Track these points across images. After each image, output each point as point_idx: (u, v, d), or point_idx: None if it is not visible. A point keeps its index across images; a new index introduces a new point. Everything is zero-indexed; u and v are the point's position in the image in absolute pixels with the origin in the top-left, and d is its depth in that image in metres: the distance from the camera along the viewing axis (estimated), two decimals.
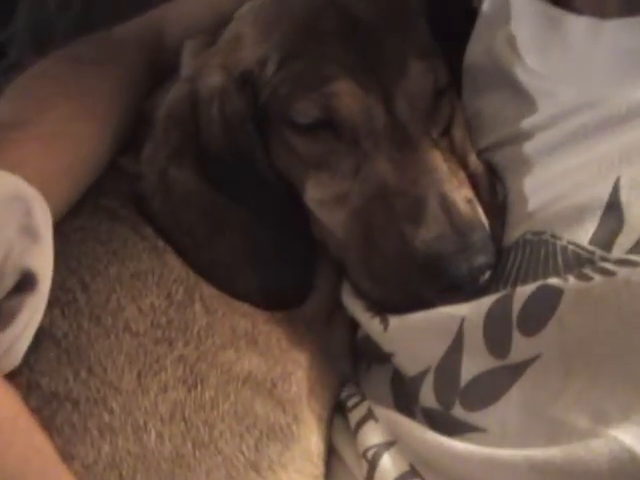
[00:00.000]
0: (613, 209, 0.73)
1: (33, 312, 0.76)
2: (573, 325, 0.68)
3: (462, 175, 0.88)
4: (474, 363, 0.75)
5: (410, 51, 0.89)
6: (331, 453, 0.87)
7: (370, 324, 0.86)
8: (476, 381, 0.75)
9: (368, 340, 0.87)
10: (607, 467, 0.62)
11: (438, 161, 0.86)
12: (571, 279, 0.70)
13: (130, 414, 0.77)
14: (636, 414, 0.64)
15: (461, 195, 0.85)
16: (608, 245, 0.72)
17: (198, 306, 0.85)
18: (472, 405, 0.75)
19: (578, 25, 0.84)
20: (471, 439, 0.74)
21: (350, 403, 0.87)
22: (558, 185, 0.79)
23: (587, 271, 0.70)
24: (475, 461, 0.71)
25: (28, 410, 0.75)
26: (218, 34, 0.98)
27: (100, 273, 0.84)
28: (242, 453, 0.79)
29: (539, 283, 0.72)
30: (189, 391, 0.80)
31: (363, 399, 0.86)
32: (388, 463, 0.78)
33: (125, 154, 0.96)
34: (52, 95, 0.92)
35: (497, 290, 0.78)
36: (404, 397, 0.84)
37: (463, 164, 0.89)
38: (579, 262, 0.73)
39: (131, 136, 0.98)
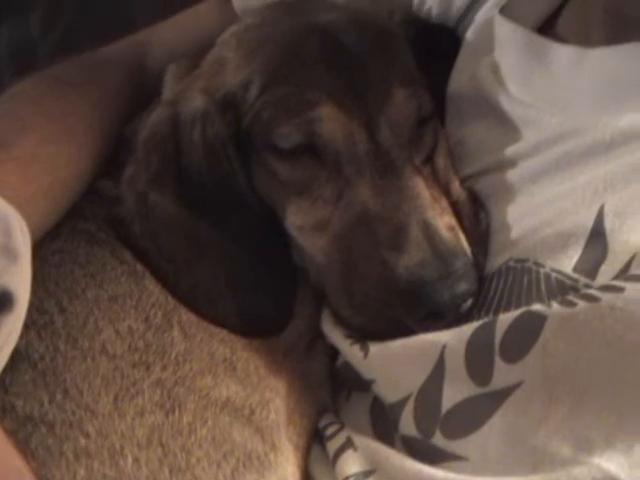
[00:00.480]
0: (597, 237, 0.73)
1: (9, 332, 0.75)
2: (556, 351, 0.68)
3: (445, 202, 0.87)
4: (455, 390, 0.74)
5: (394, 78, 0.88)
6: None
7: (350, 351, 0.85)
8: (457, 409, 0.74)
9: (348, 367, 0.86)
10: None
11: (421, 188, 0.86)
12: (555, 305, 0.69)
13: (106, 438, 0.76)
14: (620, 442, 0.63)
15: (444, 222, 0.84)
16: (592, 273, 0.72)
17: (176, 331, 0.84)
18: (453, 433, 0.74)
19: (562, 54, 0.84)
20: (451, 468, 0.73)
21: (328, 432, 0.86)
22: (542, 213, 0.79)
23: (571, 297, 0.69)
24: None
25: (4, 432, 0.73)
26: (201, 58, 0.97)
27: (78, 296, 0.83)
28: None
29: (522, 310, 0.71)
30: (166, 416, 0.78)
31: (342, 428, 0.85)
32: None
33: (105, 177, 0.96)
34: (32, 116, 0.92)
35: (479, 317, 0.78)
36: (384, 425, 0.83)
37: (446, 192, 0.88)
38: (562, 290, 0.73)
39: (111, 159, 0.97)
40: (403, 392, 0.79)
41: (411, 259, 0.81)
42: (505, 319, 0.72)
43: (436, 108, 0.93)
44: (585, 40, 0.85)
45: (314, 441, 0.88)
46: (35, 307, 0.81)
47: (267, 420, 0.84)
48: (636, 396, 0.64)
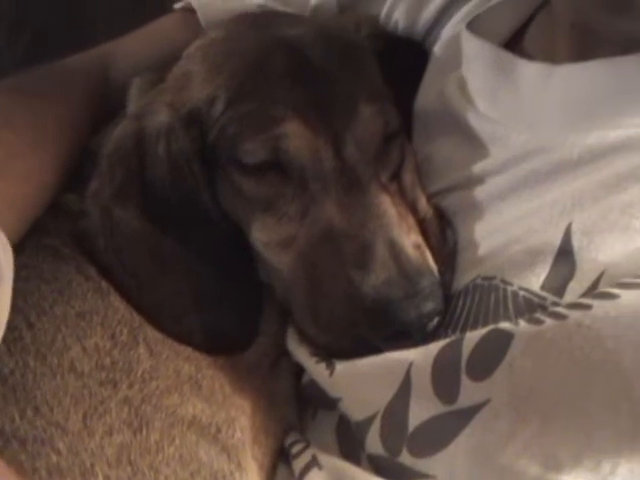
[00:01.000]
0: (565, 255, 0.73)
1: None
2: (523, 370, 0.68)
3: (411, 220, 0.87)
4: (422, 408, 0.74)
5: (361, 94, 0.88)
6: None
7: (316, 369, 0.84)
8: (424, 427, 0.74)
9: (314, 385, 0.85)
10: None
11: (387, 205, 0.85)
12: (522, 323, 0.69)
13: (77, 455, 0.75)
14: (588, 459, 0.63)
15: (410, 240, 0.84)
16: (560, 291, 0.72)
17: (142, 348, 0.83)
18: (420, 451, 0.73)
19: (530, 70, 0.85)
20: None
21: (294, 450, 0.85)
22: (509, 230, 0.79)
23: (538, 315, 0.69)
24: None
25: None
26: (166, 71, 0.96)
27: (46, 312, 0.83)
28: None
29: (490, 327, 0.71)
30: (134, 434, 0.78)
31: (307, 446, 0.85)
32: None
33: (69, 191, 0.95)
34: None
35: (446, 336, 0.78)
36: (350, 443, 0.82)
37: (413, 209, 0.88)
38: (530, 308, 0.73)
39: (75, 173, 0.96)
40: (369, 410, 0.78)
41: (377, 278, 0.80)
42: (472, 337, 0.71)
43: (403, 124, 0.93)
44: (552, 56, 0.85)
45: (280, 460, 0.87)
46: None
47: (233, 439, 0.83)
48: (603, 414, 0.64)
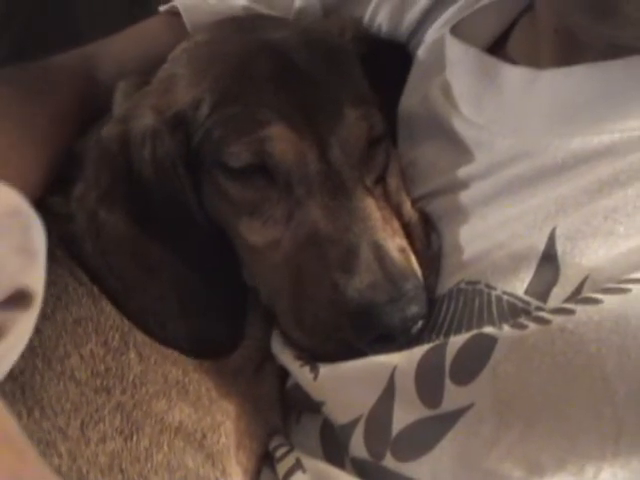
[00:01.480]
0: (549, 260, 0.73)
1: (25, 330, 0.73)
2: (507, 374, 0.68)
3: (396, 224, 0.87)
4: (406, 412, 0.74)
5: (346, 98, 0.88)
6: None
7: (300, 373, 0.84)
8: (408, 431, 0.74)
9: (298, 389, 0.85)
10: None
11: (372, 209, 0.85)
12: (506, 328, 0.69)
13: (75, 461, 0.77)
14: (571, 464, 0.64)
15: (395, 244, 0.84)
16: (544, 296, 0.72)
17: (133, 353, 0.84)
18: (404, 455, 0.73)
19: (514, 75, 0.85)
20: None
21: (278, 454, 0.85)
22: (494, 235, 0.79)
23: (522, 320, 0.69)
24: None
25: None
26: (151, 74, 0.96)
27: (49, 317, 0.83)
28: None
29: (473, 332, 0.71)
30: (125, 442, 0.79)
31: (291, 450, 0.85)
32: None
33: (54, 194, 0.94)
34: None
35: (430, 340, 0.78)
36: (334, 447, 0.82)
37: (397, 213, 0.89)
38: (514, 312, 0.73)
39: (61, 175, 0.96)
40: (353, 414, 0.78)
41: (361, 281, 0.81)
42: (456, 341, 0.71)
43: (388, 128, 0.93)
44: (535, 60, 0.85)
45: (264, 463, 0.87)
46: None
47: (218, 445, 0.83)
48: (586, 418, 0.64)
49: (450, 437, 0.70)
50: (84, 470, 0.77)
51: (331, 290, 0.82)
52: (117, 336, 0.84)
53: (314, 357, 0.84)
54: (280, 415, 0.91)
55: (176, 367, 0.85)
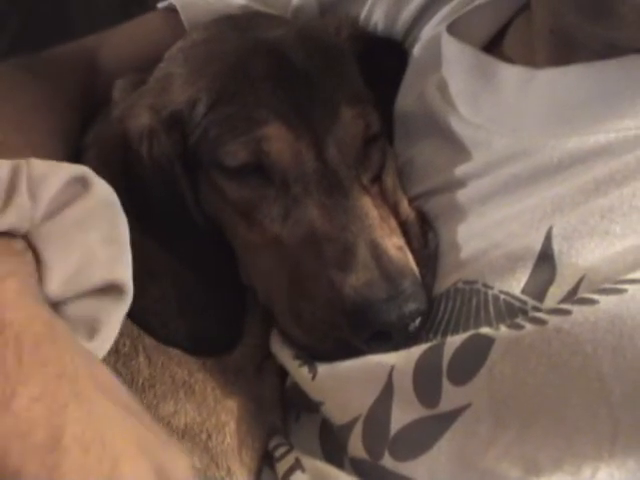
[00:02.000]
0: (545, 259, 0.73)
1: (117, 323, 0.72)
2: (503, 374, 0.68)
3: (393, 222, 0.87)
4: (404, 412, 0.74)
5: (342, 96, 0.88)
6: None
7: (298, 372, 0.84)
8: (406, 430, 0.74)
9: (297, 388, 0.86)
10: None
11: (369, 207, 0.86)
12: (502, 328, 0.69)
13: None
14: (568, 464, 0.64)
15: (392, 242, 0.84)
16: (540, 295, 0.72)
17: (142, 357, 0.84)
18: (402, 455, 0.74)
19: (510, 74, 0.85)
20: None
21: (277, 453, 0.85)
22: (490, 234, 0.79)
23: (519, 320, 0.69)
24: None
25: None
26: (148, 73, 0.97)
27: None
28: None
29: (470, 332, 0.71)
30: None
31: (291, 449, 0.85)
32: None
33: None
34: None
35: (428, 339, 0.78)
36: (333, 447, 0.83)
37: (394, 211, 0.89)
38: (511, 312, 0.73)
39: None
40: (352, 414, 0.78)
41: (358, 279, 0.81)
42: (453, 341, 0.72)
43: (384, 126, 0.93)
44: (531, 59, 0.85)
45: (264, 463, 0.87)
46: None
47: (222, 445, 0.84)
48: (583, 419, 0.64)
49: (448, 437, 0.71)
50: None
51: (328, 288, 0.82)
52: (128, 342, 0.84)
53: (312, 356, 0.84)
54: (280, 414, 0.91)
55: (181, 368, 0.85)
